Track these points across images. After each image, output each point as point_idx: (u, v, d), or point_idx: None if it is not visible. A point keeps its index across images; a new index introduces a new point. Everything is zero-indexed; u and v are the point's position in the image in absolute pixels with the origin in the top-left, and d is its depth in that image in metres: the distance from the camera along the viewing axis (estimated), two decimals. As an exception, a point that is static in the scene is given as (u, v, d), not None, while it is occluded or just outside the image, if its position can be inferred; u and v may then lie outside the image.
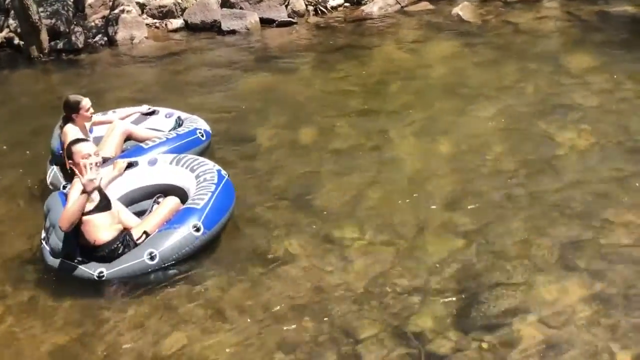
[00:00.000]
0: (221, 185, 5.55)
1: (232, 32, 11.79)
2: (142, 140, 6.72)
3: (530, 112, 7.26)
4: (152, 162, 5.99)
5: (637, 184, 5.61)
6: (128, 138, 6.80)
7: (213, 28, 12.07)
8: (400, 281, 4.67)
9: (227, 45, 11.31)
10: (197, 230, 5.16)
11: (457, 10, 11.05)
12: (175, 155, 6.09)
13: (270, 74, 9.60)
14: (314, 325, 4.32)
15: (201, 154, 6.51)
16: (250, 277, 4.99)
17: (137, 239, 5.21)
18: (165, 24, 12.59)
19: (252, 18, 11.91)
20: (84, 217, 5.01)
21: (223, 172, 5.75)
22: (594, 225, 5.13)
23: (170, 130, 6.92)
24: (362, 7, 12.24)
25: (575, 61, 8.66)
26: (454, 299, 4.41)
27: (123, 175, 5.87)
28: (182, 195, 5.69)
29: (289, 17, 12.15)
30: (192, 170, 5.80)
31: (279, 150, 7.04)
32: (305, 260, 5.09)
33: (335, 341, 4.15)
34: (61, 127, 6.40)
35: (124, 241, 5.18)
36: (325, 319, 4.36)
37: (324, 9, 12.46)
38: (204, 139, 6.82)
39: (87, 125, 6.59)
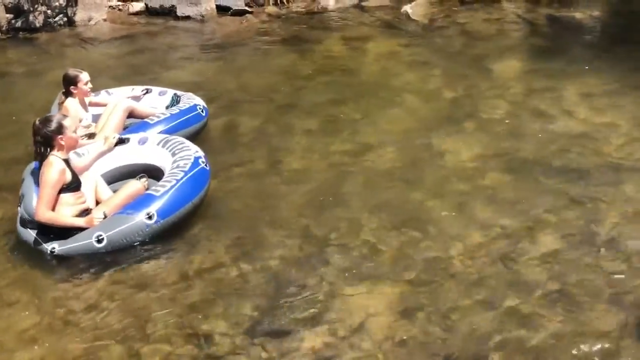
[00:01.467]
0: (190, 173, 5.46)
1: (187, 18, 11.85)
2: (143, 117, 6.73)
3: (433, 118, 7.27)
4: (143, 141, 5.99)
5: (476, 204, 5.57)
6: (130, 115, 6.80)
7: (171, 13, 12.09)
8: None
9: (177, 31, 11.38)
10: (150, 218, 5.11)
11: (406, 8, 11.03)
12: (165, 136, 6.08)
13: (206, 62, 9.71)
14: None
15: (200, 130, 6.77)
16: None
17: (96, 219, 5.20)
18: (127, 7, 12.67)
19: (208, 5, 11.94)
20: None
21: (202, 160, 5.66)
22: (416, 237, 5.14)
23: (167, 107, 7.00)
24: (320, 0, 12.23)
25: (504, 67, 8.65)
26: (256, 303, 4.47)
27: (112, 151, 5.90)
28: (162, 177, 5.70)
29: (246, 5, 12.17)
30: (173, 154, 5.76)
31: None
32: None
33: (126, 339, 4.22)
34: (60, 103, 6.46)
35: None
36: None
37: (284, 0, 12.47)
38: (204, 114, 6.94)
39: (87, 100, 6.64)
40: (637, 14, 10.62)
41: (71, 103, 6.41)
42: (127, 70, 9.45)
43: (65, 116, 5.40)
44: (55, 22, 12.13)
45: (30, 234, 5.14)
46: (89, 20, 12.02)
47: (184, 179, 5.37)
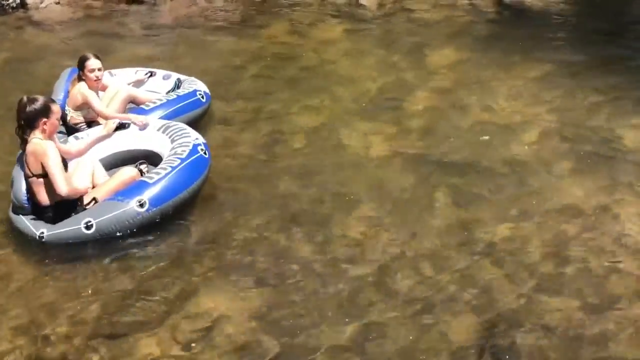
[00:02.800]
0: (187, 161, 5.35)
1: (140, 2, 11.67)
2: (141, 103, 6.60)
3: (353, 109, 7.16)
4: (143, 127, 5.92)
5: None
6: (131, 102, 6.68)
7: (126, -4, 11.94)
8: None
9: (127, 15, 11.19)
10: (141, 205, 5.02)
11: (357, -7, 10.80)
12: (166, 122, 5.99)
13: (146, 47, 9.56)
14: None
15: (201, 116, 6.61)
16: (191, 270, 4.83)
17: (86, 205, 5.14)
18: (85, -11, 12.51)
19: (161, -12, 11.77)
20: (38, 179, 5.00)
21: (201, 147, 5.56)
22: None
23: (169, 92, 6.87)
24: (275, -16, 12.02)
25: (440, 56, 8.45)
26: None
27: (111, 136, 5.83)
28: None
29: (202, -12, 12.00)
30: (172, 140, 5.68)
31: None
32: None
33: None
34: (73, 82, 6.35)
35: (73, 205, 5.12)
36: None
37: (240, -18, 12.26)
38: (204, 100, 6.76)
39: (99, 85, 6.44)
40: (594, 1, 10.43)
41: (85, 88, 6.19)
42: (70, 54, 9.31)
43: (53, 100, 5.30)
44: (7, 4, 11.98)
45: (22, 220, 5.10)
46: (41, 3, 11.89)
47: (180, 167, 5.27)
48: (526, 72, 7.68)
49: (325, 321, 4.22)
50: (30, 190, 5.07)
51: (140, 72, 7.20)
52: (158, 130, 5.85)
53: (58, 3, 12.00)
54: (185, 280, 4.66)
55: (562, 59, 7.98)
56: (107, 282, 4.67)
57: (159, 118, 6.22)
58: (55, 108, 5.10)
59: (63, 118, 6.08)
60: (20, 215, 5.12)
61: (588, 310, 4.24)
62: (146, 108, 6.38)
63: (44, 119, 4.97)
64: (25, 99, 5.00)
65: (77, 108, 6.33)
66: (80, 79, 6.27)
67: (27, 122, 4.97)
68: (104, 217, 4.95)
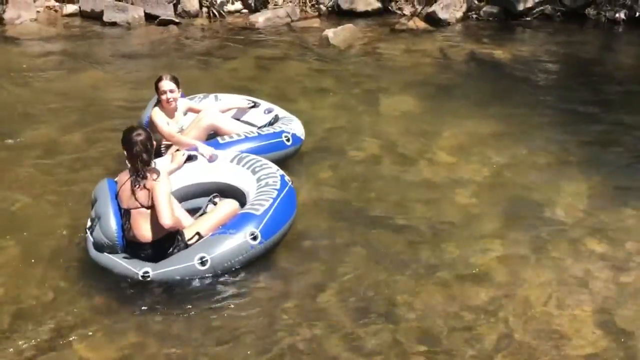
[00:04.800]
0: (284, 192, 5.20)
1: (114, 24, 11.66)
2: (223, 134, 6.23)
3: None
4: (212, 159, 5.67)
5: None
6: (213, 132, 6.31)
7: (100, 18, 11.93)
8: None
9: (98, 37, 11.25)
10: (254, 238, 4.80)
11: (328, 32, 10.73)
12: (237, 153, 5.73)
13: (105, 72, 9.56)
14: None
15: (283, 159, 6.08)
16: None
17: (188, 240, 4.86)
18: (62, 8, 12.52)
19: (137, 12, 11.78)
20: (138, 210, 4.74)
21: (287, 177, 5.41)
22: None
23: (260, 128, 6.50)
24: (250, 17, 11.99)
25: (396, 103, 8.32)
26: None
27: (181, 168, 5.54)
28: (240, 197, 5.37)
29: (178, 15, 12.00)
30: (254, 172, 5.46)
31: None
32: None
33: None
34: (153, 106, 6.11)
35: (175, 241, 4.86)
36: None
37: (217, 12, 12.24)
38: (288, 144, 6.25)
39: (180, 107, 6.17)
40: (570, 56, 10.31)
41: (155, 111, 5.95)
42: (34, 71, 9.30)
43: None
44: (-17, 18, 12.03)
45: (114, 260, 4.73)
46: (17, 19, 11.88)
47: (280, 197, 5.11)
48: (477, 127, 7.46)
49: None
50: (127, 225, 4.79)
51: (245, 101, 6.91)
52: (232, 162, 5.61)
53: (35, 20, 12.03)
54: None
55: (518, 116, 7.79)
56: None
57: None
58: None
59: None
60: (106, 254, 4.77)
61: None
62: (221, 142, 6.03)
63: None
64: (143, 133, 4.85)
65: (152, 131, 5.99)
66: (158, 102, 6.05)
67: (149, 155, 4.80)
68: (219, 252, 4.70)
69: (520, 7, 11.94)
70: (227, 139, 6.10)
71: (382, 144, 7.16)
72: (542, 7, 12.09)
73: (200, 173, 5.59)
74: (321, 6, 12.48)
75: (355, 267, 5.03)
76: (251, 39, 11.14)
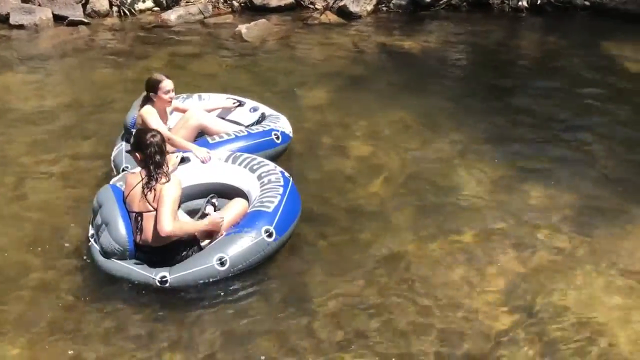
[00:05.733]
0: (289, 187, 5.24)
1: (21, 26, 11.34)
2: (212, 134, 6.17)
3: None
4: (206, 160, 5.59)
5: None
6: (201, 132, 6.27)
7: (6, 21, 11.56)
8: None
9: (4, 41, 10.88)
10: (270, 235, 4.81)
11: (241, 28, 10.76)
12: (231, 152, 5.71)
13: (25, 73, 9.35)
14: None
15: (273, 157, 6.07)
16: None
17: (201, 241, 4.83)
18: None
19: (44, 14, 11.46)
20: (150, 213, 4.62)
21: (286, 173, 5.46)
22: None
23: (248, 126, 6.47)
24: (162, 14, 11.88)
25: (310, 96, 8.42)
26: None
27: (176, 170, 5.32)
28: (239, 196, 5.33)
29: (88, 16, 11.76)
30: (252, 171, 5.45)
31: None
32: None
33: None
34: (140, 106, 5.89)
35: (189, 243, 4.76)
36: None
37: (128, 11, 12.08)
38: (278, 141, 6.28)
39: (168, 109, 6.06)
40: (477, 44, 10.66)
41: (148, 111, 5.75)
42: None
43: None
44: None
45: (126, 266, 4.66)
46: None
47: (287, 193, 5.15)
48: (389, 116, 7.66)
49: None
50: (138, 230, 4.70)
51: (230, 100, 6.87)
52: (226, 161, 5.59)
53: None
54: None
55: (428, 105, 8.03)
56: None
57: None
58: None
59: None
60: (116, 261, 4.69)
61: None
62: (211, 141, 6.00)
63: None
64: (150, 135, 4.76)
65: None
66: (146, 101, 5.88)
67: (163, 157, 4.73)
68: (237, 252, 4.68)
69: (428, -2, 12.26)
70: (217, 138, 6.08)
71: (298, 137, 7.25)
72: (448, -3, 12.43)
73: (196, 174, 5.52)
74: (234, 2, 12.47)
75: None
76: (164, 36, 11.05)
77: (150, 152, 4.66)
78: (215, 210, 5.25)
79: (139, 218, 4.67)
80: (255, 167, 5.49)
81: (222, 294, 4.73)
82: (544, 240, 5.30)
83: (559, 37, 10.96)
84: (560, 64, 9.57)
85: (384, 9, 12.40)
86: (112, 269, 4.70)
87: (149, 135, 4.75)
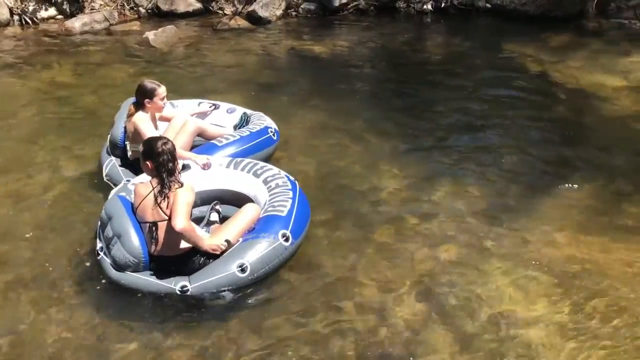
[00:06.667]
0: (297, 191, 5.23)
1: None
2: (211, 138, 6.16)
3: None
4: (207, 167, 5.53)
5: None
6: (198, 135, 6.27)
7: None
8: None
9: None
10: (287, 239, 4.78)
11: (149, 35, 10.61)
12: (230, 158, 5.69)
13: None
14: None
15: (270, 155, 6.29)
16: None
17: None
18: None
19: (-60, 24, 11.00)
20: (165, 222, 4.52)
21: (291, 177, 5.44)
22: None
23: (237, 127, 6.56)
24: (66, 22, 11.58)
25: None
26: None
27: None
28: (243, 202, 5.25)
29: (-14, 25, 11.35)
30: (256, 175, 5.41)
31: None
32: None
33: None
34: (129, 115, 5.84)
35: (206, 251, 4.65)
36: None
37: (30, 20, 11.70)
38: (275, 138, 6.41)
39: (157, 115, 6.04)
40: (384, 47, 10.85)
41: (141, 118, 5.75)
42: None
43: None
44: None
45: (142, 278, 4.56)
46: None
47: (297, 196, 5.15)
48: (302, 120, 7.71)
49: None
50: (153, 240, 4.61)
51: (204, 104, 6.88)
52: (227, 167, 5.55)
53: None
54: None
55: (339, 107, 8.11)
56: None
57: (231, 155, 5.90)
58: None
59: (123, 156, 6.01)
60: (131, 273, 4.59)
61: None
62: (219, 144, 6.04)
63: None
64: (161, 143, 4.67)
65: (135, 140, 5.82)
66: (138, 108, 5.85)
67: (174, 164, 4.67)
68: (257, 257, 4.63)
69: (336, 2, 12.41)
70: (223, 140, 6.12)
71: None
72: (356, 2, 12.62)
73: (198, 181, 5.38)
74: (140, 8, 12.29)
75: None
76: (69, 45, 10.78)
77: (163, 160, 4.61)
78: (219, 217, 5.26)
79: (154, 228, 4.61)
80: (259, 172, 5.49)
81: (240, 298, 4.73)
82: (454, 236, 5.44)
83: (463, 38, 11.33)
84: (465, 64, 9.87)
85: (293, 13, 12.49)
86: (128, 282, 4.63)
87: (160, 143, 4.68)
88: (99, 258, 4.81)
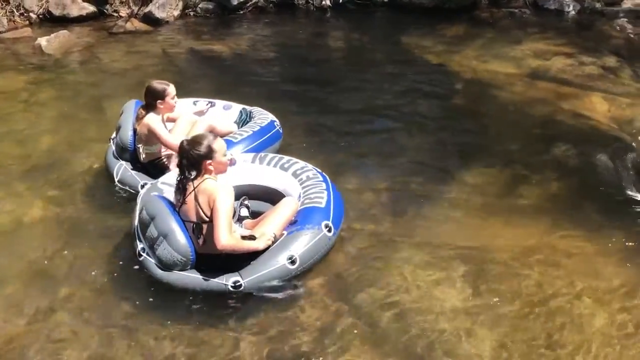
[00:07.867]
0: (329, 183, 5.28)
1: None
2: (222, 136, 5.62)
3: (17, 170, 6.61)
4: (232, 163, 5.34)
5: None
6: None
7: None
8: None
9: None
10: (329, 230, 4.85)
11: (41, 41, 10.23)
12: (253, 154, 5.71)
13: None
14: None
15: (277, 150, 6.27)
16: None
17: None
18: None
19: None
20: (207, 220, 4.47)
21: (318, 169, 5.46)
22: None
23: (241, 123, 6.58)
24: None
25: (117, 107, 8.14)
26: None
27: None
28: (273, 196, 5.29)
29: None
30: (284, 169, 5.43)
31: None
32: None
33: None
34: (140, 118, 5.77)
35: None
36: None
37: None
38: (281, 131, 6.52)
39: (165, 116, 5.97)
40: (285, 44, 10.83)
41: (154, 120, 5.71)
42: None
43: (216, 137, 4.73)
44: None
45: (192, 276, 4.53)
46: None
47: (330, 188, 5.21)
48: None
49: None
50: (200, 239, 4.56)
51: (201, 103, 6.80)
52: (253, 162, 5.55)
53: None
54: None
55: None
56: None
57: (247, 151, 5.96)
58: (218, 145, 4.62)
59: (134, 159, 5.98)
60: (179, 272, 4.54)
61: None
62: (234, 140, 6.04)
63: (208, 161, 4.56)
64: (185, 143, 4.61)
65: (148, 142, 5.84)
66: (148, 110, 5.79)
67: (192, 166, 4.56)
68: (305, 249, 4.69)
69: (235, 1, 12.28)
70: (237, 137, 6.15)
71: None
72: (255, 0, 12.56)
73: (225, 178, 5.14)
74: (31, 14, 11.82)
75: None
76: (-46, 55, 10.25)
77: (181, 161, 4.62)
78: (249, 213, 5.23)
79: (199, 227, 4.57)
80: (286, 166, 5.50)
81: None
82: (362, 229, 5.49)
83: (362, 33, 11.48)
84: (366, 58, 10.01)
85: (191, 13, 12.32)
86: (177, 281, 4.59)
87: (207, 140, 4.63)
88: (141, 259, 4.76)
